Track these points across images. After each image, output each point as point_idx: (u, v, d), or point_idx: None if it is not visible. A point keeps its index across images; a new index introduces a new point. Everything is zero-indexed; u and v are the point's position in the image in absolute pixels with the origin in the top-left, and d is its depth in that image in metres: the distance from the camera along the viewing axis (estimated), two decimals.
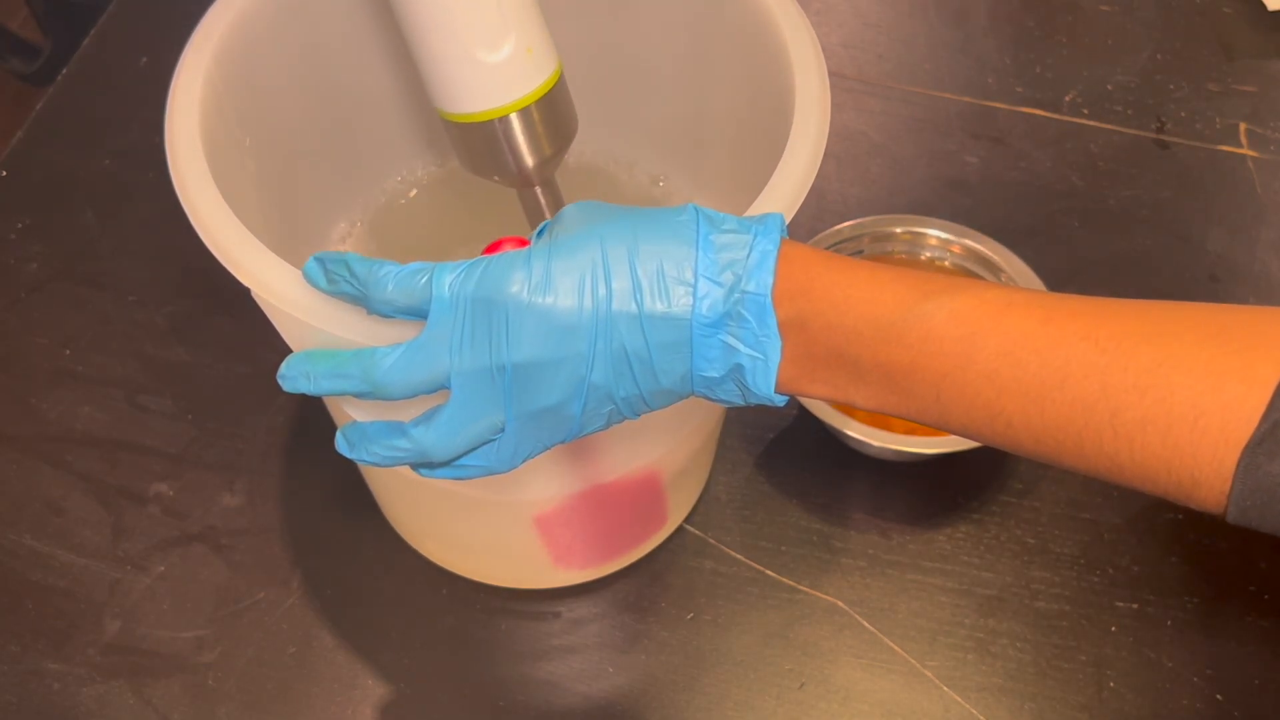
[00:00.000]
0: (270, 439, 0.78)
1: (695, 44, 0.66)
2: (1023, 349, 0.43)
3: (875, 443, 0.71)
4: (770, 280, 0.45)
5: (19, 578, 0.73)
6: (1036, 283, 0.76)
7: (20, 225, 0.87)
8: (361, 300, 0.48)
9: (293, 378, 0.50)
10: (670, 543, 0.75)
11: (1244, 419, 0.39)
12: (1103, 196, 0.90)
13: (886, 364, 0.45)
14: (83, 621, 0.72)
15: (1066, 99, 0.95)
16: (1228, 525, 0.41)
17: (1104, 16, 1.00)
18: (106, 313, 0.83)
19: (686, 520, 0.75)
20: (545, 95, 0.57)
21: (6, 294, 0.84)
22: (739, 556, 0.74)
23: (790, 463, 0.77)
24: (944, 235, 0.79)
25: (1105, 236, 0.88)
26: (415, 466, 0.50)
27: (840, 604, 0.72)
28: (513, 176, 0.58)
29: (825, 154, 0.55)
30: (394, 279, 0.46)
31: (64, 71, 0.95)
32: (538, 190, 0.59)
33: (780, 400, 0.47)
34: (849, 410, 0.73)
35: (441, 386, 0.47)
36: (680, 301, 0.45)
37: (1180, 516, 0.75)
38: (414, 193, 0.75)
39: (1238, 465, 0.40)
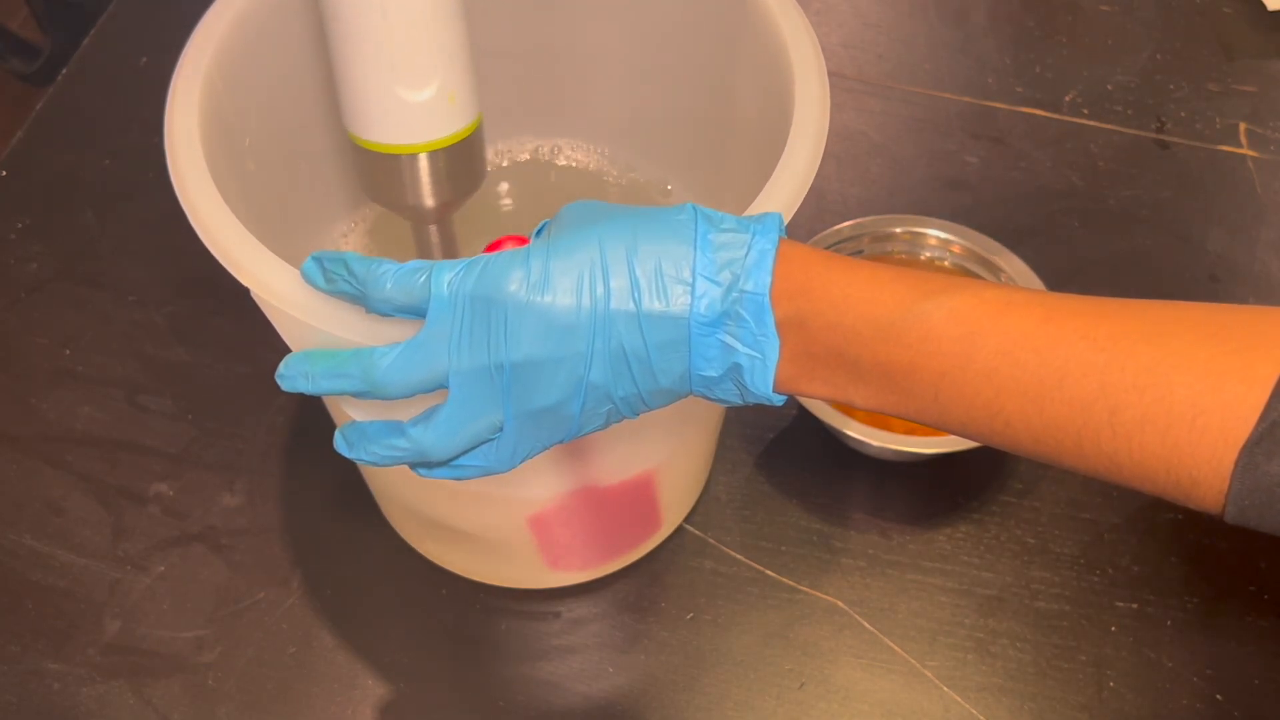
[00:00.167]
0: (270, 439, 0.78)
1: (695, 45, 0.66)
2: (1021, 348, 0.43)
3: (875, 443, 0.71)
4: (768, 279, 0.45)
5: (19, 578, 0.73)
6: (1036, 283, 0.76)
7: (20, 225, 0.87)
8: (360, 299, 0.48)
9: (291, 377, 0.51)
10: (670, 543, 0.75)
11: (1243, 418, 0.39)
12: (1103, 196, 0.90)
13: (885, 363, 0.45)
14: (83, 621, 0.72)
15: (1066, 99, 0.95)
16: (1228, 525, 0.41)
17: (1104, 16, 1.00)
18: (106, 313, 0.83)
19: (686, 520, 0.75)
20: (459, 142, 0.56)
21: (6, 294, 0.84)
22: (739, 556, 0.74)
23: (790, 463, 0.77)
24: (944, 235, 0.79)
25: (1105, 236, 0.88)
26: (414, 466, 0.50)
27: (840, 604, 0.72)
28: (408, 211, 0.58)
29: (825, 154, 0.55)
30: (392, 277, 0.46)
31: (64, 71, 0.95)
32: (432, 229, 0.58)
33: (779, 400, 0.47)
34: (849, 410, 0.73)
35: (440, 386, 0.47)
36: (678, 300, 0.45)
37: (1180, 516, 0.75)
38: None
39: (1236, 465, 0.40)
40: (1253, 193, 0.90)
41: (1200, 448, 0.40)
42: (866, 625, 0.72)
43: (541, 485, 0.64)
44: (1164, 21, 0.99)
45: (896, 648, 0.71)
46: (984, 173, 0.91)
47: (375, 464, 0.50)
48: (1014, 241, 0.79)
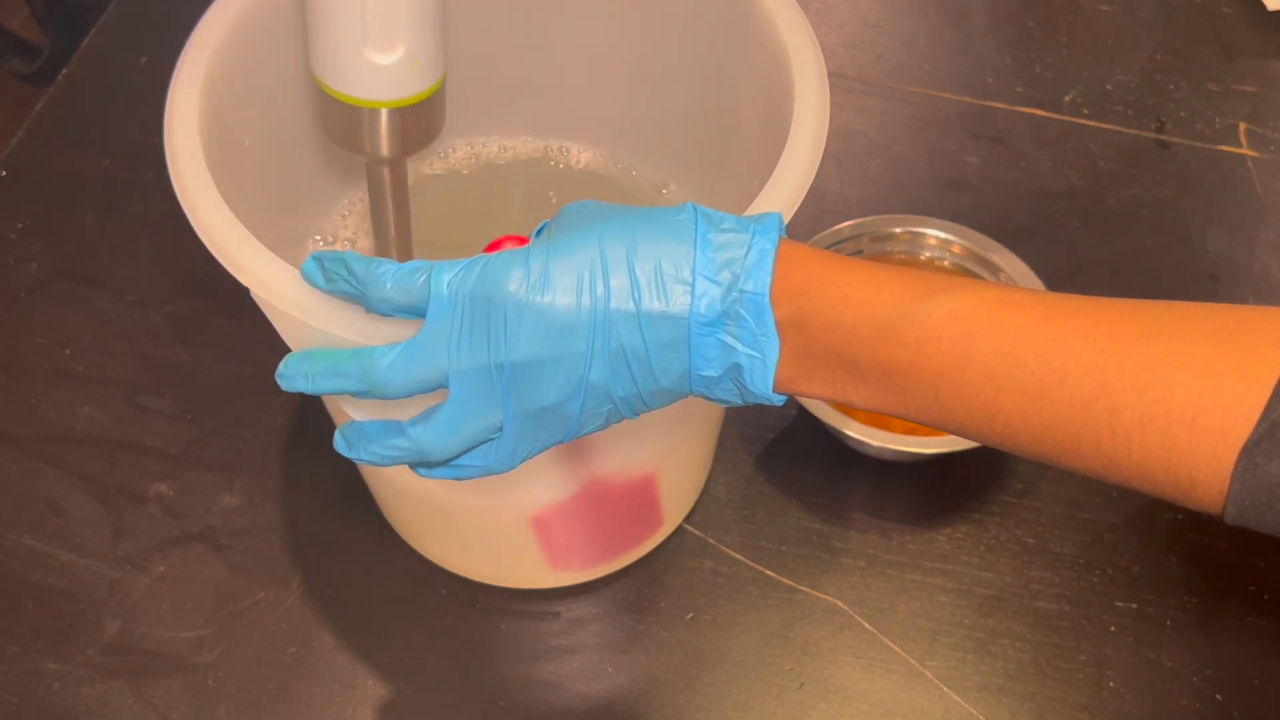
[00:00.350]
0: (270, 439, 0.78)
1: (695, 45, 0.66)
2: (1021, 348, 0.43)
3: (875, 443, 0.71)
4: (768, 279, 0.45)
5: (19, 578, 0.73)
6: (1036, 283, 0.76)
7: (20, 225, 0.87)
8: (360, 299, 0.48)
9: (291, 377, 0.51)
10: (670, 543, 0.75)
11: (1242, 418, 0.39)
12: (1103, 196, 0.90)
13: (885, 363, 0.45)
14: (83, 621, 0.72)
15: (1066, 99, 0.95)
16: (1227, 525, 0.41)
17: (1104, 16, 1.00)
18: (106, 313, 0.83)
19: (686, 520, 0.75)
20: (420, 102, 0.58)
21: (6, 294, 0.84)
22: (739, 556, 0.74)
23: (790, 463, 0.77)
24: (944, 235, 0.79)
25: (1105, 236, 0.88)
26: (414, 466, 0.50)
27: (840, 604, 0.72)
28: (365, 155, 0.59)
29: (825, 154, 0.55)
30: (392, 277, 0.46)
31: (64, 71, 0.95)
32: (384, 170, 0.60)
33: (778, 399, 0.47)
34: (849, 410, 0.73)
35: (440, 385, 0.47)
36: (678, 300, 0.45)
37: (1180, 516, 0.75)
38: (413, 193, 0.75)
39: (1236, 465, 0.40)
40: (1253, 193, 0.90)
41: (1200, 448, 0.40)
42: (866, 625, 0.72)
43: (542, 485, 0.64)
44: (1164, 21, 0.99)
45: (896, 648, 0.71)
46: (984, 173, 0.91)
47: (375, 464, 0.50)
48: (1014, 241, 0.79)
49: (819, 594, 0.73)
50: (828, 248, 0.78)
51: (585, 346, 0.46)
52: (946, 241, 0.79)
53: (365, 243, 0.74)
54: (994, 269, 0.78)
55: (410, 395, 0.48)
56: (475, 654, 0.71)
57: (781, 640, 0.71)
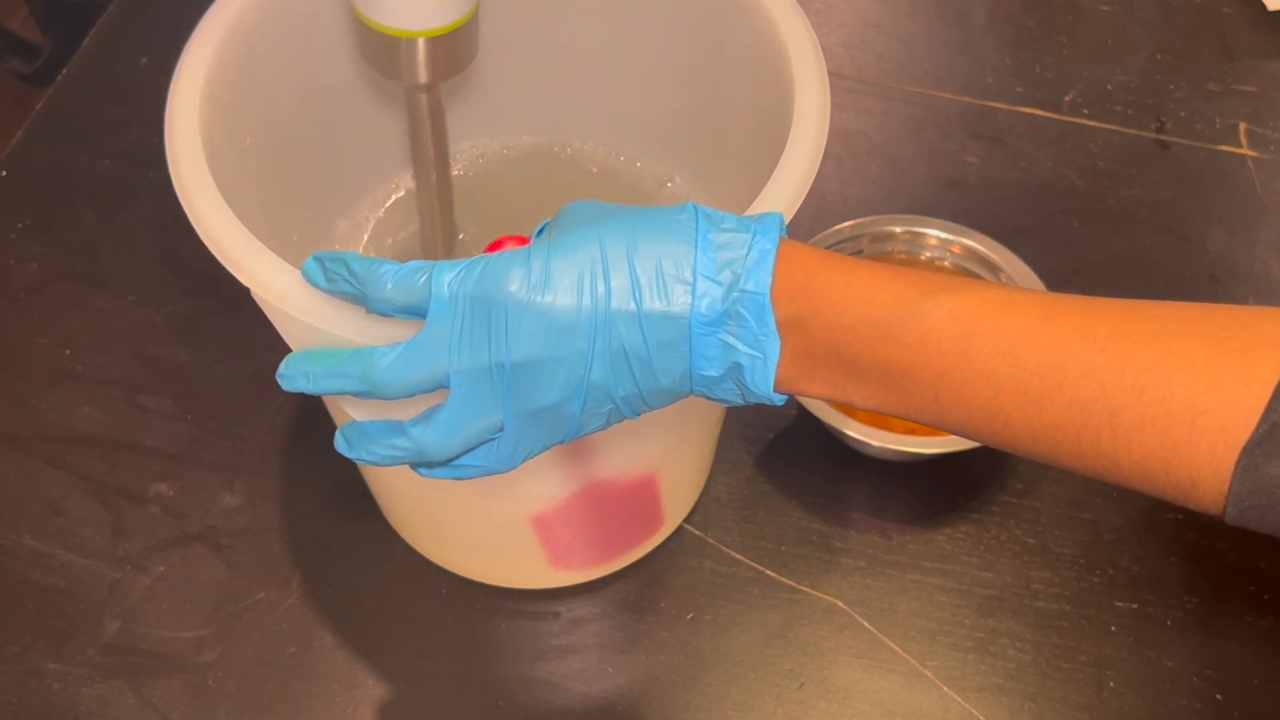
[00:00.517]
0: (270, 439, 0.78)
1: (695, 45, 0.66)
2: (1021, 348, 0.43)
3: (875, 443, 0.71)
4: (769, 279, 0.45)
5: (19, 578, 0.73)
6: (1036, 283, 0.76)
7: (20, 225, 0.87)
8: (361, 299, 0.48)
9: (291, 377, 0.51)
10: (670, 543, 0.75)
11: (1243, 419, 0.39)
12: (1103, 196, 0.90)
13: (885, 363, 0.45)
14: (83, 621, 0.72)
15: (1066, 99, 0.95)
16: (1228, 525, 0.41)
17: (1104, 16, 1.00)
18: (106, 313, 0.83)
19: (686, 520, 0.75)
20: (453, 31, 0.61)
21: (6, 294, 0.84)
22: (739, 556, 0.74)
23: (790, 463, 0.77)
24: (944, 235, 0.79)
25: (1105, 236, 0.88)
26: (414, 466, 0.50)
27: (840, 604, 0.72)
28: (403, 81, 0.63)
29: (825, 154, 0.55)
30: (393, 277, 0.46)
31: (64, 71, 0.95)
32: (422, 96, 0.64)
33: (779, 399, 0.47)
34: (849, 410, 0.73)
35: (440, 385, 0.47)
36: (679, 300, 0.45)
37: (1180, 517, 0.75)
38: (413, 191, 0.75)
39: (1236, 466, 0.40)
40: (1253, 193, 0.90)
41: (1200, 448, 0.40)
42: (866, 625, 0.72)
43: (543, 485, 0.64)
44: (1164, 21, 0.99)
45: (896, 648, 0.71)
46: (984, 173, 0.91)
47: (376, 464, 0.50)
48: (1014, 241, 0.79)
49: (819, 594, 0.73)
50: (828, 248, 0.78)
51: (586, 346, 0.46)
52: (946, 241, 0.79)
53: (365, 243, 0.74)
54: (994, 269, 0.78)
55: (411, 395, 0.48)
56: (475, 654, 0.71)
57: (781, 640, 0.71)
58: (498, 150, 0.76)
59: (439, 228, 0.69)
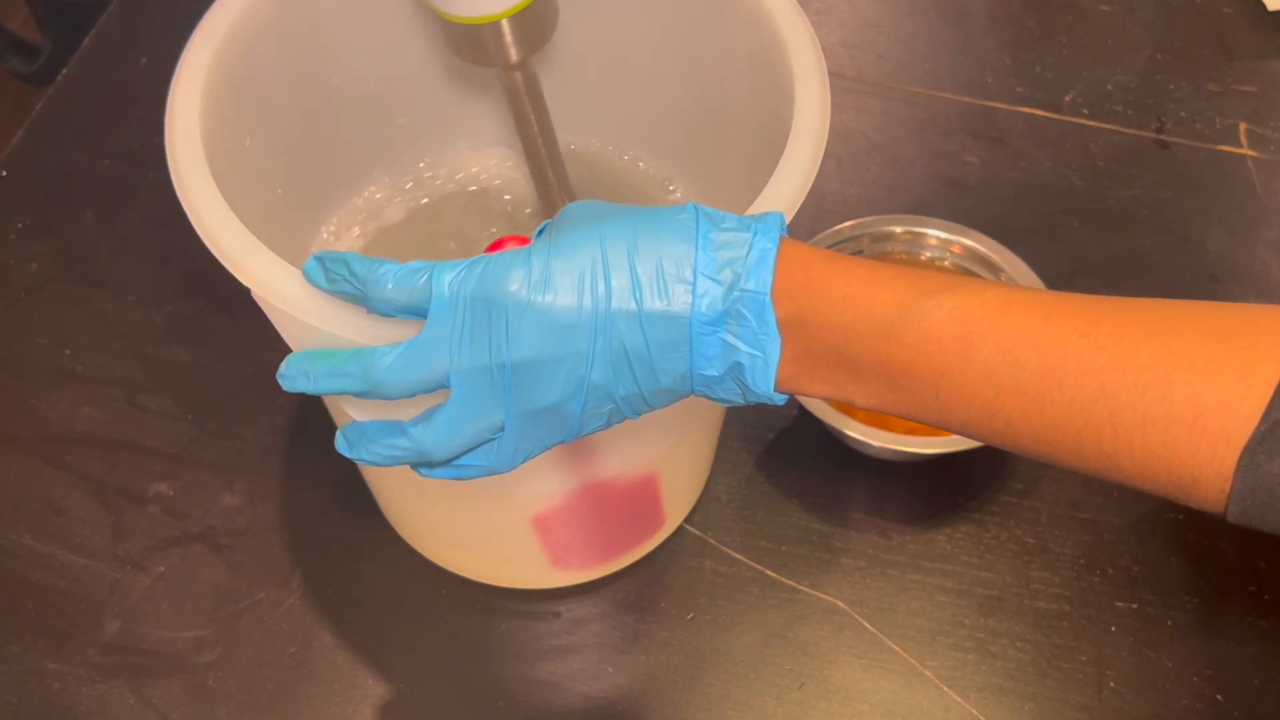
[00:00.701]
0: (270, 439, 0.78)
1: (695, 45, 0.66)
2: (1021, 348, 0.43)
3: (875, 443, 0.71)
4: (769, 278, 0.45)
5: (19, 578, 0.73)
6: (1036, 283, 0.76)
7: (20, 225, 0.87)
8: (361, 299, 0.48)
9: (292, 377, 0.51)
10: (670, 543, 0.75)
11: (1244, 418, 0.39)
12: (1103, 196, 0.90)
13: (885, 362, 0.45)
14: (83, 621, 0.72)
15: (1066, 99, 0.95)
16: (1228, 525, 0.41)
17: (1104, 16, 1.00)
18: (106, 313, 0.83)
19: (686, 520, 0.75)
20: (531, 4, 0.61)
21: (6, 294, 0.84)
22: (739, 556, 0.74)
23: (790, 463, 0.77)
24: (944, 235, 0.79)
25: (1105, 236, 0.88)
26: (415, 466, 0.50)
27: (840, 604, 0.72)
28: (495, 65, 0.63)
29: (825, 154, 0.55)
30: (394, 277, 0.46)
31: (64, 71, 0.95)
32: (516, 75, 0.63)
33: (780, 399, 0.47)
34: (849, 410, 0.73)
35: (441, 385, 0.47)
36: (679, 299, 0.45)
37: (1181, 517, 0.75)
38: (413, 192, 0.75)
39: (1238, 464, 0.40)
40: (1253, 193, 0.90)
41: (1201, 447, 0.40)
42: (866, 625, 0.72)
43: (544, 485, 0.64)
44: (1164, 21, 0.99)
45: (896, 648, 0.71)
46: (984, 173, 0.91)
47: (376, 464, 0.50)
48: (1014, 241, 0.79)
49: (819, 594, 0.73)
50: (828, 248, 0.77)
51: (587, 346, 0.46)
52: (946, 241, 0.79)
53: (365, 244, 0.74)
54: (994, 269, 0.78)
55: (411, 395, 0.48)
56: (475, 654, 0.71)
57: (781, 640, 0.71)
58: (498, 148, 0.76)
59: (559, 200, 0.69)
